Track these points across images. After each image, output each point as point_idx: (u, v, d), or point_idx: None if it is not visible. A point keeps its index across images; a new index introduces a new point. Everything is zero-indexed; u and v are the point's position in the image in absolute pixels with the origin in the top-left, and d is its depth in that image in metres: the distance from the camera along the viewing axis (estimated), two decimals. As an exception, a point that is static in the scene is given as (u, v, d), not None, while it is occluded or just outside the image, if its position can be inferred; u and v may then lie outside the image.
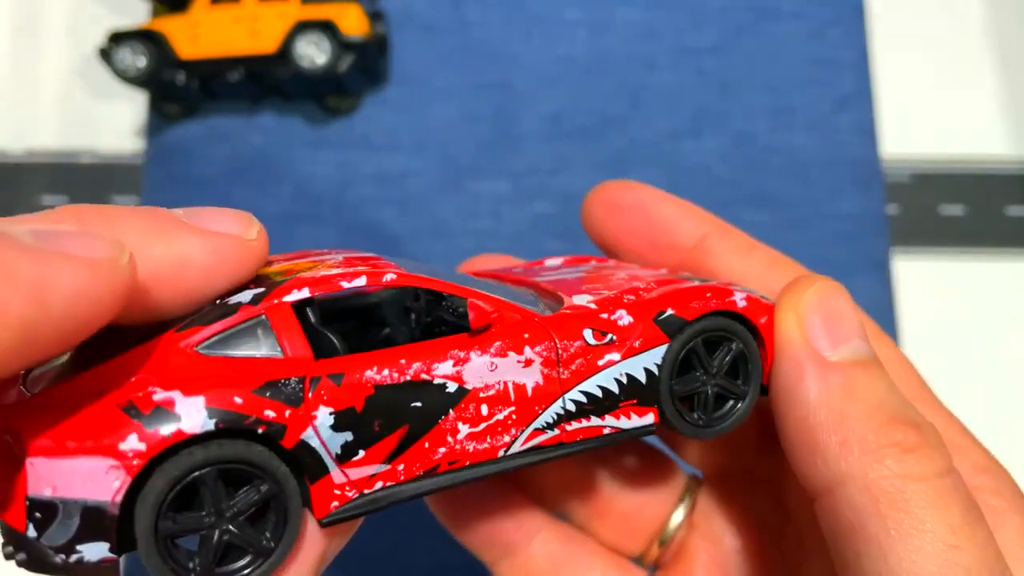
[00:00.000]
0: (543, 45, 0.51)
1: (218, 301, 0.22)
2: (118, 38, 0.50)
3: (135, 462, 0.20)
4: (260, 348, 0.22)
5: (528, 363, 0.24)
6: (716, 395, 0.27)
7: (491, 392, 0.24)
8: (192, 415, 0.20)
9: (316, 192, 0.50)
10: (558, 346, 0.25)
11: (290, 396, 0.21)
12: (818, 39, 0.51)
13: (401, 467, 0.23)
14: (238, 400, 0.20)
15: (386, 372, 0.23)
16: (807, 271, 0.31)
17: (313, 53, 0.48)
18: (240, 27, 0.49)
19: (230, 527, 0.21)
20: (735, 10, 0.51)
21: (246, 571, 0.22)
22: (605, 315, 0.26)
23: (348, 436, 0.22)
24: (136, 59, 0.50)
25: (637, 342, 0.26)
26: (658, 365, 0.26)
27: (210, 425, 0.20)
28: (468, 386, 0.24)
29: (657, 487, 0.33)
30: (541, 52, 0.51)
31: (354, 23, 0.49)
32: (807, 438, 0.25)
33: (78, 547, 0.20)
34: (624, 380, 0.25)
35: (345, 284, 0.23)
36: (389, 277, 0.23)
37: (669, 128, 0.50)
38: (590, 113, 0.51)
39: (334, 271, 0.23)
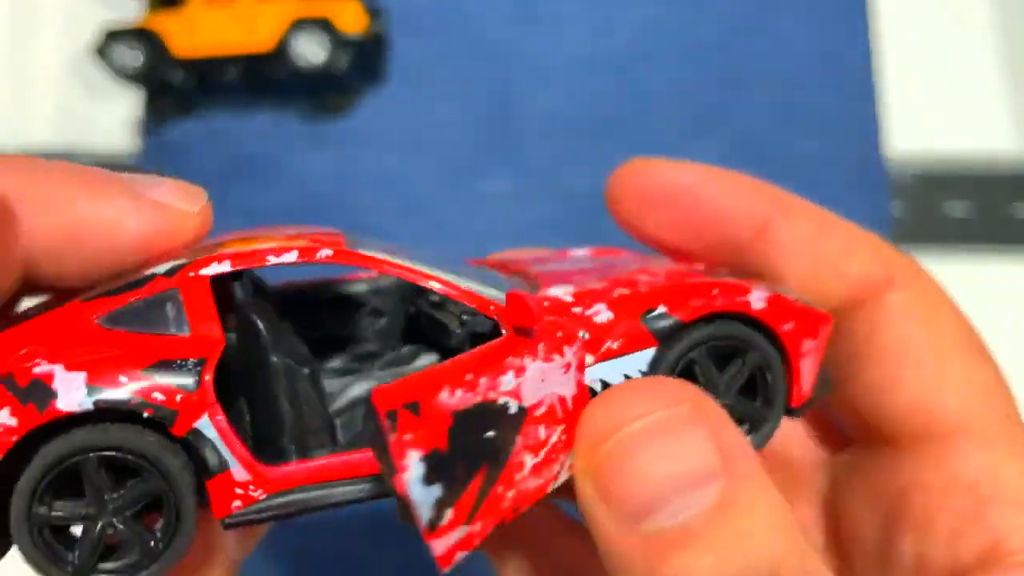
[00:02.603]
0: (544, 43, 0.51)
1: (140, 270, 0.20)
2: (113, 36, 0.50)
3: (7, 438, 0.18)
4: (166, 325, 0.19)
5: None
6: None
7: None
8: (71, 392, 0.18)
9: (314, 190, 0.50)
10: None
11: (185, 379, 0.19)
12: (822, 38, 0.51)
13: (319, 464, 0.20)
14: (123, 379, 0.18)
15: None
16: (891, 249, 0.26)
17: (310, 51, 0.48)
18: (236, 25, 0.49)
19: (113, 521, 0.19)
20: (738, 8, 0.51)
21: (129, 572, 0.19)
22: (579, 308, 0.21)
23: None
24: (132, 57, 0.49)
25: (615, 343, 0.21)
26: (643, 373, 0.21)
27: (88, 404, 0.18)
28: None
29: None
30: (542, 50, 0.51)
31: (352, 20, 0.48)
32: None
33: None
34: (597, 388, 0.21)
35: (272, 259, 0.20)
36: (324, 253, 0.21)
37: (671, 126, 0.50)
38: (591, 111, 0.50)
39: (266, 245, 0.20)
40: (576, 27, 0.51)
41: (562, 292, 0.22)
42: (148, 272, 0.20)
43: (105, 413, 0.18)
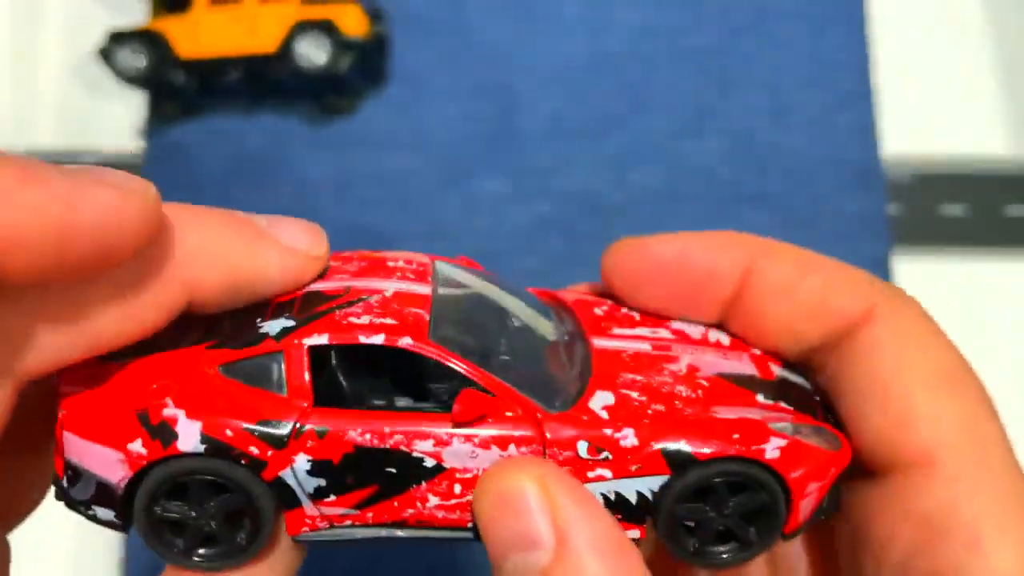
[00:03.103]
0: (543, 45, 0.51)
1: (257, 321, 0.25)
2: (118, 38, 0.50)
3: (138, 461, 0.24)
4: (270, 382, 0.24)
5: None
6: (721, 531, 0.25)
7: (468, 476, 0.24)
8: (189, 436, 0.23)
9: (316, 192, 0.50)
10: (546, 451, 0.24)
11: (276, 438, 0.24)
12: (819, 39, 0.51)
13: (370, 515, 0.25)
14: (229, 433, 0.23)
15: (368, 436, 0.24)
16: (875, 283, 0.26)
17: (313, 53, 0.48)
18: (240, 27, 0.49)
19: (210, 521, 0.24)
20: (735, 10, 0.52)
21: (218, 560, 0.25)
22: (609, 431, 0.24)
23: (321, 482, 0.24)
24: (136, 59, 0.50)
25: (634, 466, 0.24)
26: (653, 492, 0.24)
27: (200, 448, 0.23)
28: (446, 465, 0.24)
29: None
30: (541, 52, 0.51)
31: (354, 23, 0.49)
32: None
33: (94, 507, 0.24)
34: (612, 497, 0.24)
35: (363, 339, 0.24)
36: (405, 342, 0.24)
37: (669, 128, 0.50)
38: (590, 112, 0.51)
39: (361, 320, 0.24)
40: (575, 29, 0.52)
41: (601, 404, 0.25)
42: (263, 330, 0.24)
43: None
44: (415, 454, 0.24)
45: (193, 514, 0.24)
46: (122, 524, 0.25)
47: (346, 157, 0.51)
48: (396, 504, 0.25)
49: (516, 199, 0.50)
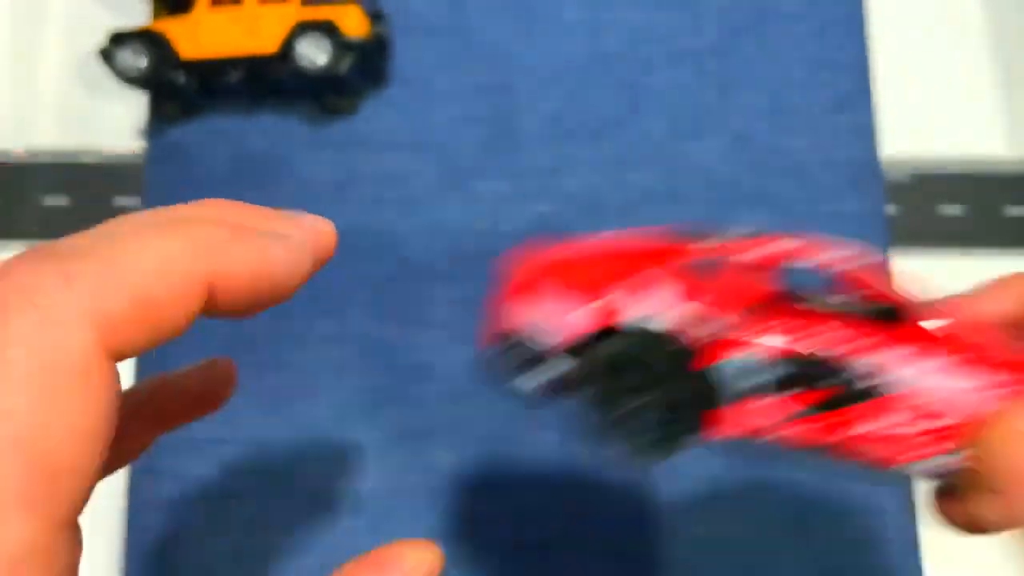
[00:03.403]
0: (543, 46, 0.52)
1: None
2: (119, 39, 0.50)
3: (603, 321, 0.24)
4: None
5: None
6: None
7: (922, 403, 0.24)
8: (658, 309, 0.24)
9: (317, 192, 0.51)
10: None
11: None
12: (818, 40, 0.51)
13: (799, 429, 0.24)
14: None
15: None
16: None
17: (313, 53, 0.48)
18: (241, 27, 0.49)
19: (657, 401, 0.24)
20: (735, 11, 0.52)
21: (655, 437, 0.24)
22: None
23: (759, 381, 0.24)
24: (137, 60, 0.50)
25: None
26: None
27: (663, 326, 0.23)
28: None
29: None
30: (541, 53, 0.52)
31: (355, 24, 0.49)
32: None
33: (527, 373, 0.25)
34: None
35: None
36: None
37: (669, 128, 0.51)
38: (590, 113, 0.51)
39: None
40: (575, 31, 0.52)
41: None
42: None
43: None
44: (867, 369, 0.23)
45: (642, 394, 0.24)
46: (555, 388, 0.25)
47: (347, 157, 0.51)
48: (832, 422, 0.24)
49: (516, 199, 0.50)
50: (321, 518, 0.47)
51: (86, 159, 0.53)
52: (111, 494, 0.48)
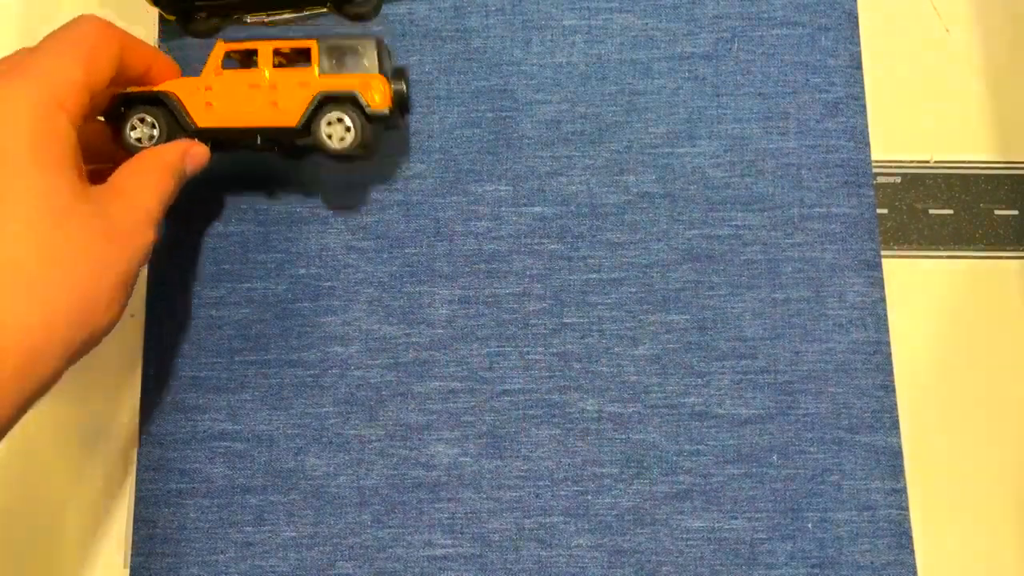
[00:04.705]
0: (542, 52, 0.53)
1: None
2: (127, 101, 0.45)
3: None
4: None
5: None
6: None
7: None
8: None
9: (319, 193, 0.52)
10: None
11: None
12: (810, 46, 0.52)
13: None
14: None
15: None
16: None
17: (338, 132, 0.45)
18: (258, 96, 0.44)
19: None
20: (729, 18, 0.53)
21: None
22: None
23: None
24: (149, 130, 0.45)
25: None
26: None
27: None
28: None
29: None
30: (540, 59, 0.52)
31: (380, 96, 0.45)
32: None
33: None
34: None
35: None
36: None
37: (664, 132, 0.52)
38: (587, 118, 0.52)
39: None
40: (573, 37, 0.53)
41: None
42: None
43: None
44: None
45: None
46: None
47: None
48: None
49: (515, 202, 0.51)
50: (325, 512, 0.48)
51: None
52: (117, 488, 0.49)
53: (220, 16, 0.53)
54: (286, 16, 0.53)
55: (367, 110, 0.44)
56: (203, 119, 0.44)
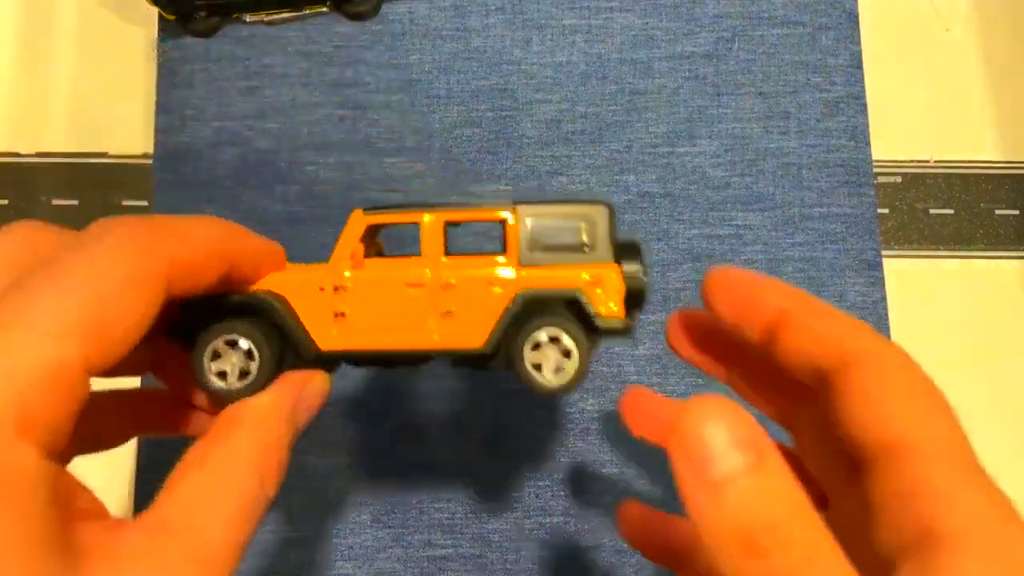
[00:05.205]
0: (542, 52, 0.53)
1: None
2: (206, 313, 0.27)
3: None
4: None
5: None
6: None
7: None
8: None
9: (320, 192, 0.52)
10: None
11: None
12: (811, 45, 0.52)
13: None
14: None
15: None
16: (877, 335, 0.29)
17: (551, 356, 0.26)
18: (421, 300, 0.28)
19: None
20: (729, 17, 0.53)
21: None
22: None
23: None
24: (240, 360, 0.27)
25: None
26: None
27: None
28: None
29: None
30: (540, 58, 0.52)
31: (616, 299, 0.27)
32: None
33: None
34: None
35: None
36: None
37: (664, 132, 0.51)
38: (587, 117, 0.52)
39: None
40: (573, 36, 0.53)
41: None
42: None
43: None
44: None
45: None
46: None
47: (352, 160, 0.52)
48: None
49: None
50: (326, 512, 0.48)
51: (95, 161, 0.54)
52: (118, 488, 0.49)
53: (220, 15, 0.53)
54: (285, 15, 0.53)
55: (596, 322, 0.27)
56: (330, 338, 0.28)
